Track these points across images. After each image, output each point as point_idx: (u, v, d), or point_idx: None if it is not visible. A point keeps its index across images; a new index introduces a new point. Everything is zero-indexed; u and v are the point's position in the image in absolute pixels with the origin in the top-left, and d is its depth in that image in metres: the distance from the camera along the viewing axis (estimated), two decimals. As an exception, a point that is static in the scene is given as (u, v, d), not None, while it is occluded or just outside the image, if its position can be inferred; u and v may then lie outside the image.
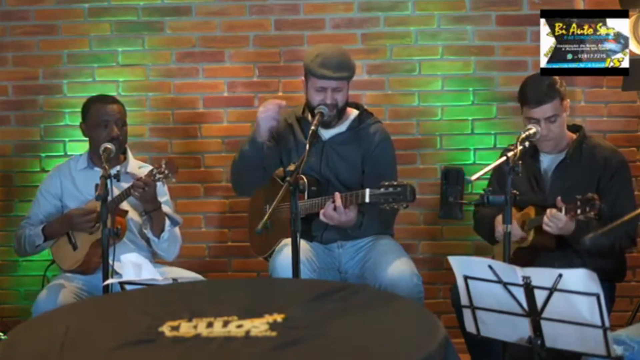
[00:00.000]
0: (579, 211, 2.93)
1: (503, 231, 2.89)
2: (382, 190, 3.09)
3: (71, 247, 3.54)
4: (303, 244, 3.35)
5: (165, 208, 3.61)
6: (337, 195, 3.22)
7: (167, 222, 3.58)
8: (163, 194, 3.66)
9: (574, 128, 3.41)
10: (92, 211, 3.43)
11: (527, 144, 3.06)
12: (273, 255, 3.37)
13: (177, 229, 3.65)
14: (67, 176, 3.67)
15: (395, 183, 3.09)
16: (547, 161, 3.37)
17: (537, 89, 3.25)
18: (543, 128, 3.22)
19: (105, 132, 3.53)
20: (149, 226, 3.54)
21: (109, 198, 3.14)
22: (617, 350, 2.55)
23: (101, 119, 3.55)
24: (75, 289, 3.45)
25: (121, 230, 3.30)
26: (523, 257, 3.23)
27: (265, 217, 2.94)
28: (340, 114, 3.48)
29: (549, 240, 3.21)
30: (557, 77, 3.30)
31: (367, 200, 3.14)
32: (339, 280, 3.49)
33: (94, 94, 3.82)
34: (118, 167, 3.57)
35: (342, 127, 3.54)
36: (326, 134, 3.51)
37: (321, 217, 3.27)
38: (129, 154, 3.72)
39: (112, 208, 3.29)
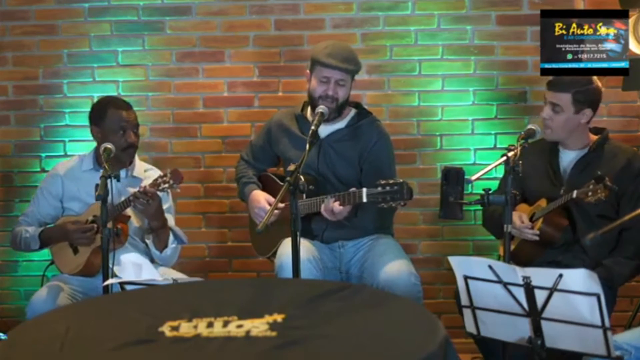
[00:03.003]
0: (590, 193, 2.93)
1: (513, 226, 2.89)
2: (379, 189, 3.10)
3: (71, 250, 3.51)
4: (307, 243, 3.37)
5: (169, 219, 3.57)
6: (336, 204, 3.23)
7: (172, 237, 3.54)
8: (166, 200, 3.60)
9: (596, 130, 3.39)
10: (90, 227, 3.40)
11: (527, 144, 3.06)
12: (278, 254, 3.37)
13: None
14: (71, 177, 3.62)
15: (391, 181, 3.10)
16: (567, 158, 3.36)
17: (564, 77, 3.29)
18: (545, 111, 3.27)
19: (123, 138, 3.48)
20: (152, 240, 3.52)
21: (109, 198, 3.11)
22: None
23: (119, 124, 3.49)
24: (71, 290, 3.43)
25: (122, 232, 3.28)
26: (528, 249, 3.23)
27: (266, 217, 2.95)
28: (340, 109, 3.48)
29: (556, 231, 3.21)
30: (596, 87, 3.28)
31: (364, 200, 3.16)
32: (339, 280, 3.49)
33: (95, 94, 3.82)
34: (123, 170, 3.54)
35: (340, 124, 3.54)
36: (324, 131, 3.50)
37: (322, 211, 3.29)
38: (135, 157, 3.67)
39: (115, 213, 3.27)
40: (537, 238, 3.20)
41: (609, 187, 2.89)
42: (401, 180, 3.10)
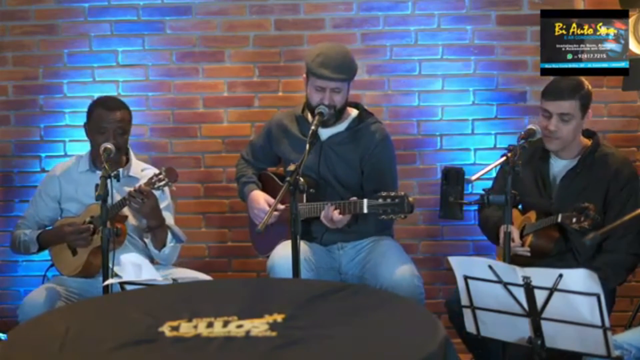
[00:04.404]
0: (574, 220, 2.94)
1: (503, 231, 2.89)
2: (380, 201, 3.11)
3: (70, 252, 3.50)
4: (302, 244, 3.36)
5: (168, 217, 3.56)
6: (336, 212, 3.24)
7: (170, 236, 3.52)
8: (164, 198, 3.58)
9: (587, 133, 3.36)
10: (86, 228, 3.39)
11: (527, 144, 3.05)
12: (271, 256, 3.38)
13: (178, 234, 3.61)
14: (68, 178, 3.61)
15: (393, 194, 3.11)
16: (558, 167, 3.33)
17: (561, 84, 3.24)
18: (553, 124, 3.20)
19: (102, 138, 3.44)
20: (150, 239, 3.49)
21: (109, 199, 3.11)
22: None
23: (100, 125, 3.47)
24: (67, 292, 3.42)
25: (121, 231, 3.27)
26: (522, 259, 3.23)
27: (266, 217, 2.95)
28: (339, 114, 3.48)
29: (548, 243, 3.21)
30: (588, 88, 3.26)
31: (365, 211, 3.17)
32: (339, 281, 3.49)
33: (95, 94, 3.81)
34: (120, 170, 3.52)
35: (341, 127, 3.54)
36: (324, 133, 3.50)
37: (322, 218, 3.29)
38: (132, 156, 3.66)
39: (112, 214, 3.25)
40: (528, 254, 3.21)
41: (591, 217, 2.90)
42: (402, 194, 3.10)
